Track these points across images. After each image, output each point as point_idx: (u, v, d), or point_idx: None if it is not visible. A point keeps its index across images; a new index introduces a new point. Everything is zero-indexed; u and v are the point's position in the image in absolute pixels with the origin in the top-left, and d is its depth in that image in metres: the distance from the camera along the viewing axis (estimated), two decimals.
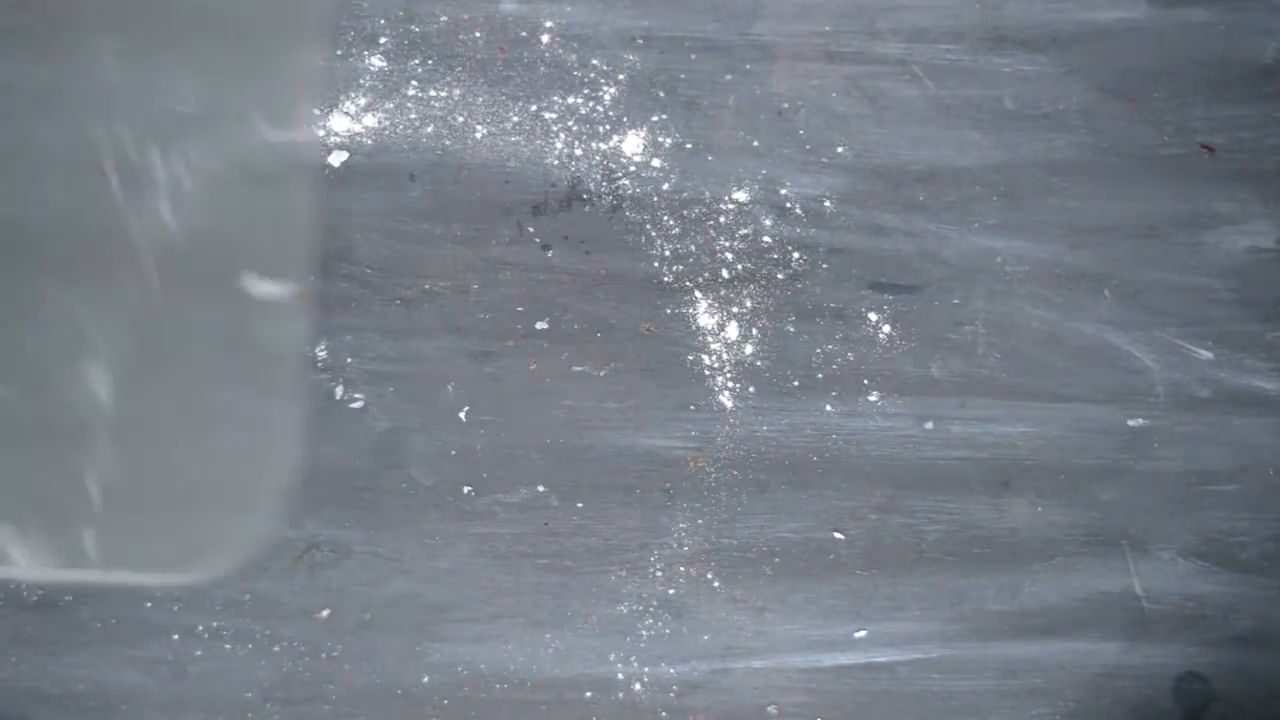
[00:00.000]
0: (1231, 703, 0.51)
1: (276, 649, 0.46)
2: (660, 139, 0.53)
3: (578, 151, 0.53)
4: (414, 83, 0.53)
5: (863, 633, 0.48)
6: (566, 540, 0.48)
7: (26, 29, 0.54)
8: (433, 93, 0.53)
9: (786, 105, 0.54)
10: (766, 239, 0.52)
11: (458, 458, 0.49)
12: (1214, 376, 0.55)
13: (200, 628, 0.46)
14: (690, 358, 0.50)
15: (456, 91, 0.53)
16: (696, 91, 0.54)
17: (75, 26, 0.54)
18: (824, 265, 0.52)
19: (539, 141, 0.53)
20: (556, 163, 0.53)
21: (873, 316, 0.51)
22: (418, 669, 0.47)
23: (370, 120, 0.52)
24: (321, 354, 0.49)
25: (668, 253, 0.52)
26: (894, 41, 0.55)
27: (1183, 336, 0.54)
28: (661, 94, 0.53)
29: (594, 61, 0.54)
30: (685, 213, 0.52)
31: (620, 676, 0.48)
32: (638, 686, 0.47)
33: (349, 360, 0.49)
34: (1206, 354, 0.54)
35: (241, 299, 0.50)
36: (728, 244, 0.52)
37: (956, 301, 0.52)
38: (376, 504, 0.48)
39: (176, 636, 0.46)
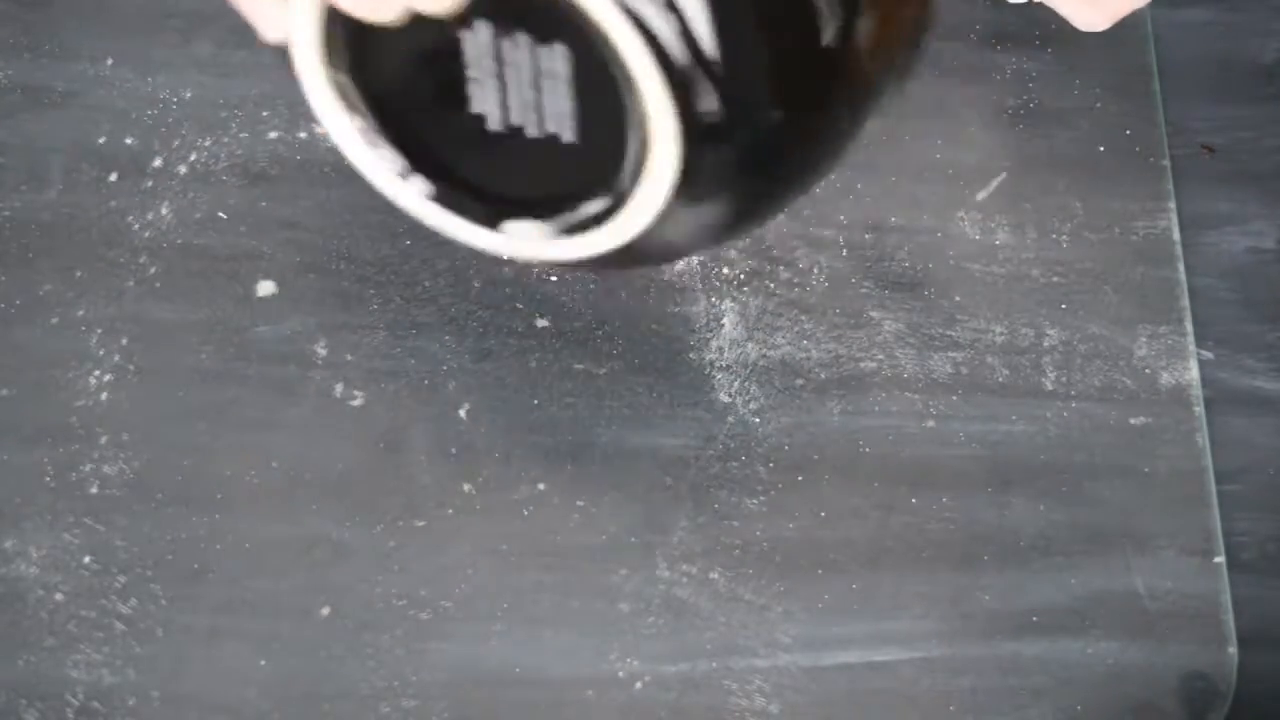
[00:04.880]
0: (1233, 702, 0.51)
1: (276, 648, 0.46)
2: None
3: None
4: None
5: (864, 631, 0.48)
6: (567, 539, 0.48)
7: (26, 29, 0.54)
8: None
9: None
10: (769, 237, 0.52)
11: (458, 456, 0.49)
12: (1214, 376, 0.55)
13: (199, 626, 0.46)
14: (692, 356, 0.50)
15: None
16: None
17: (76, 26, 0.54)
18: (826, 263, 0.52)
19: None
20: None
21: (875, 314, 0.51)
22: (418, 668, 0.47)
23: None
24: (321, 352, 0.49)
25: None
26: None
27: (1183, 336, 0.54)
28: None
29: None
30: None
31: (621, 675, 0.47)
32: (638, 686, 0.47)
33: (349, 358, 0.49)
34: (1206, 354, 0.54)
35: (242, 298, 0.50)
36: (729, 242, 0.52)
37: (958, 299, 0.52)
38: (376, 502, 0.48)
39: (175, 635, 0.46)
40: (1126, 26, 0.57)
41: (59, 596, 0.45)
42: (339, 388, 0.49)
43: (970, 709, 0.48)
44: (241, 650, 0.46)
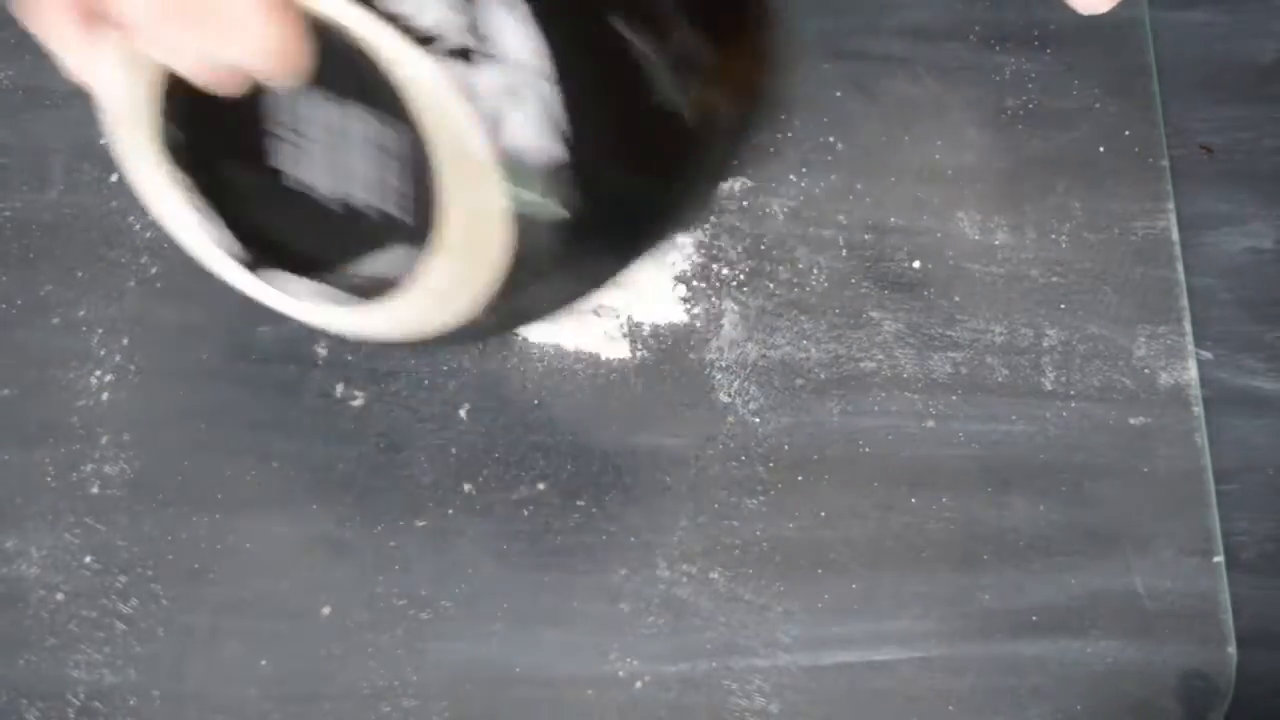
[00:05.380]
0: (1232, 702, 0.51)
1: (276, 648, 0.46)
2: None
3: None
4: None
5: (864, 631, 0.48)
6: (567, 538, 0.48)
7: (28, 30, 0.54)
8: None
9: (788, 103, 0.54)
10: (769, 237, 0.52)
11: (458, 456, 0.49)
12: (1214, 376, 0.55)
13: (200, 626, 0.46)
14: (692, 356, 0.50)
15: None
16: None
17: None
18: (826, 264, 0.52)
19: None
20: None
21: (875, 315, 0.51)
22: (418, 668, 0.47)
23: None
24: (322, 351, 0.49)
25: (669, 251, 0.52)
26: (896, 40, 0.55)
27: (1182, 336, 0.54)
28: None
29: None
30: None
31: (621, 675, 0.48)
32: (638, 685, 0.47)
33: (349, 358, 0.49)
34: (1205, 354, 0.55)
35: (242, 297, 0.50)
36: (730, 242, 0.52)
37: (958, 299, 0.52)
38: (376, 502, 0.48)
39: (176, 635, 0.46)
40: (1126, 26, 0.57)
41: (60, 596, 0.46)
42: (339, 388, 0.49)
43: (970, 709, 0.48)
44: (242, 650, 0.46)
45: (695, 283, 0.51)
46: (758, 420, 0.50)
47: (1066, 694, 0.48)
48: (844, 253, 0.53)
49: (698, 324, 0.51)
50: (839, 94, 0.55)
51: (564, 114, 0.29)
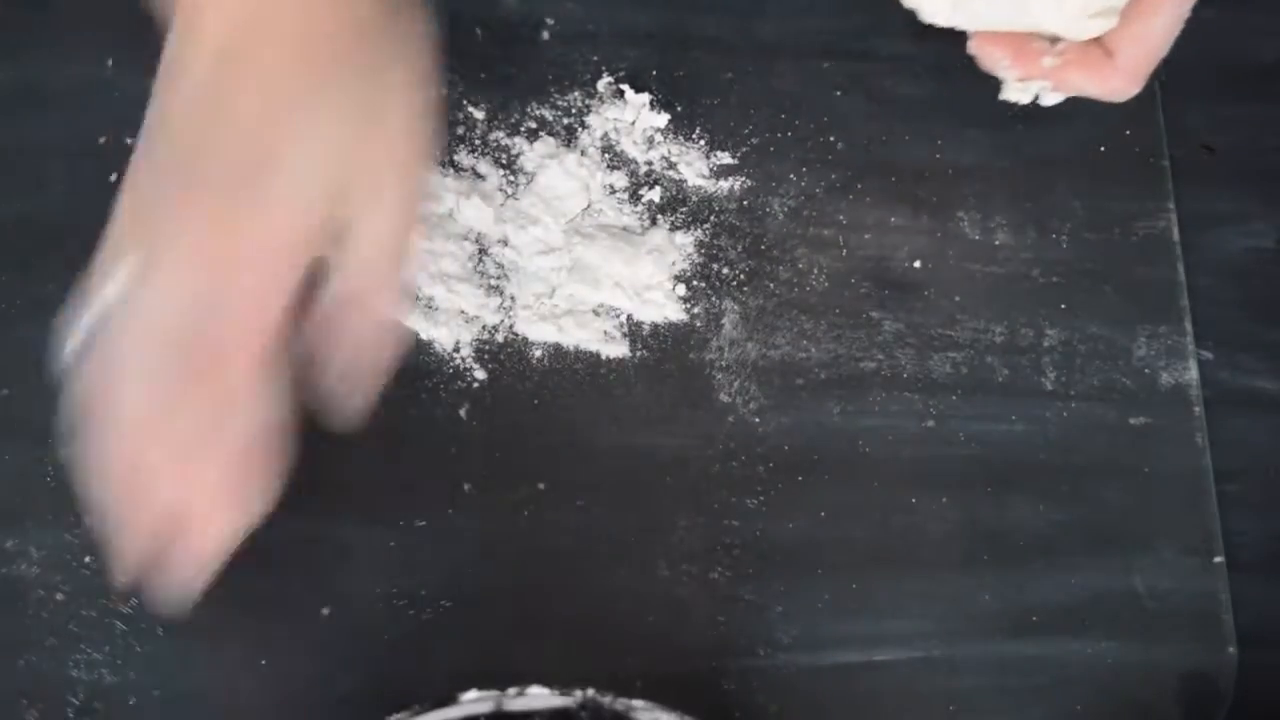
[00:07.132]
0: (1233, 702, 0.51)
1: (276, 648, 0.46)
2: (659, 137, 0.53)
3: (576, 149, 0.53)
4: None
5: (863, 631, 0.48)
6: (567, 538, 0.48)
7: (27, 30, 0.54)
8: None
9: (788, 103, 0.54)
10: (769, 237, 0.52)
11: (457, 456, 0.49)
12: (1214, 376, 0.55)
13: (200, 626, 0.46)
14: (692, 356, 0.50)
15: (458, 89, 0.53)
16: (697, 90, 0.54)
17: (76, 28, 0.54)
18: (826, 263, 0.52)
19: (539, 139, 0.53)
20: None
21: (875, 315, 0.51)
22: (419, 668, 0.47)
23: None
24: None
25: (669, 250, 0.52)
26: (896, 39, 0.55)
27: (1183, 336, 0.54)
28: (662, 92, 0.53)
29: (594, 58, 0.54)
30: (685, 211, 0.52)
31: (621, 675, 0.47)
32: (639, 685, 0.47)
33: None
34: (1206, 354, 0.55)
35: None
36: (730, 242, 0.52)
37: (958, 299, 0.52)
38: (376, 501, 0.48)
39: (176, 635, 0.46)
40: None
41: (60, 596, 0.46)
42: None
43: (970, 709, 0.48)
44: (242, 650, 0.46)
45: (695, 282, 0.51)
46: (758, 420, 0.50)
47: (1066, 694, 0.48)
48: (844, 253, 0.53)
49: (698, 324, 0.51)
50: (839, 94, 0.55)
51: None
